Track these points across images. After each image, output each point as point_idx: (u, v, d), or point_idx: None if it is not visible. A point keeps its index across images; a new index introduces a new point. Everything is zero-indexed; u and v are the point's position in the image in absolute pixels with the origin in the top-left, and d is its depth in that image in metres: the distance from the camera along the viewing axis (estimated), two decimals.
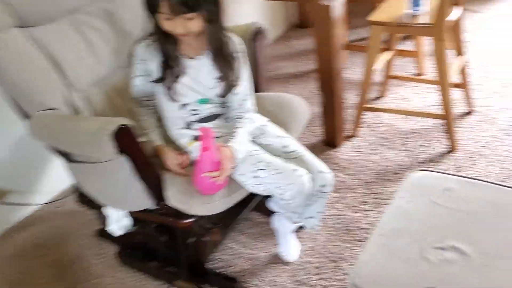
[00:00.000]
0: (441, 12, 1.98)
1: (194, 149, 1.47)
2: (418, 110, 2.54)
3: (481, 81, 2.76)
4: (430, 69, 2.97)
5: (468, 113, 2.52)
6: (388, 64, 2.59)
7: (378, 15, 2.19)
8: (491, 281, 1.17)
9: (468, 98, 2.49)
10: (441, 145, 2.33)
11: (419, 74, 2.92)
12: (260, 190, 1.47)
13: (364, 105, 2.39)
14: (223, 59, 1.48)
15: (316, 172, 1.51)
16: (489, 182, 1.48)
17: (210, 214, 1.45)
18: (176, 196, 1.45)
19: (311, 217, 1.62)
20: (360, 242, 1.85)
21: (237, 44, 1.53)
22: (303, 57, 3.33)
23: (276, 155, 1.51)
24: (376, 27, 2.18)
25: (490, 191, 1.44)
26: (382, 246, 1.33)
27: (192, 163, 1.48)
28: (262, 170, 1.43)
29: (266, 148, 1.54)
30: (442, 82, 2.15)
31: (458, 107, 2.51)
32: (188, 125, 1.56)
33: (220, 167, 1.37)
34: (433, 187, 1.49)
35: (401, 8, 2.20)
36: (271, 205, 1.69)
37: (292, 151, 1.54)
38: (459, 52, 2.36)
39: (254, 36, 1.74)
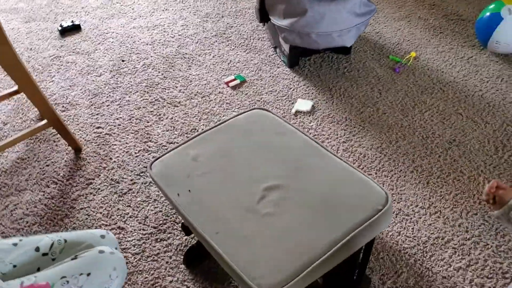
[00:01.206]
0: None
1: None
2: (17, 137, 2.00)
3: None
4: None
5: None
6: None
7: None
8: (312, 186, 1.27)
9: None
10: (64, 152, 2.03)
11: None
12: None
13: None
14: None
15: (100, 240, 1.06)
16: (198, 135, 1.48)
17: None
18: None
19: None
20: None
21: None
22: None
23: (42, 266, 0.95)
24: None
25: (215, 138, 1.46)
26: (227, 240, 1.15)
27: None
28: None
29: (19, 271, 0.93)
30: (30, 88, 1.79)
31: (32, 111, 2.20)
32: None
33: None
34: (181, 165, 1.36)
35: None
36: None
37: (53, 243, 1.00)
38: None
39: None
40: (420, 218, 1.67)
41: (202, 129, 2.06)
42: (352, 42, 2.21)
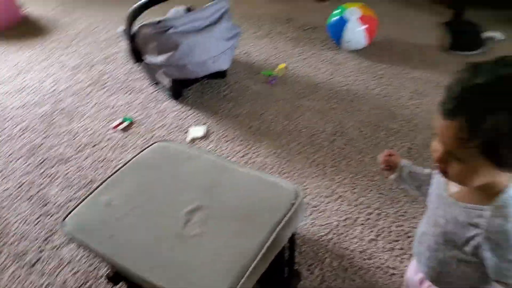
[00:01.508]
0: None
1: None
2: None
3: None
4: None
5: None
6: None
7: None
8: (230, 199, 1.35)
9: None
10: None
11: None
12: None
13: None
14: None
15: None
16: (104, 181, 1.48)
17: None
18: None
19: None
20: None
21: None
22: None
23: None
24: None
25: (122, 179, 1.47)
26: (165, 273, 1.18)
27: None
28: None
29: None
30: None
31: None
32: None
33: None
34: (96, 214, 1.35)
35: None
36: None
37: None
38: None
39: None
40: (327, 206, 1.83)
41: (101, 178, 2.03)
42: (227, 65, 2.35)
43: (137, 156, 1.54)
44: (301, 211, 1.33)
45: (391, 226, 1.73)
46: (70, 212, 1.37)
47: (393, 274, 1.57)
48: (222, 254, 1.19)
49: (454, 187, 0.93)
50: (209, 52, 2.20)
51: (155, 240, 1.25)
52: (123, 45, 2.80)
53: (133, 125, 2.37)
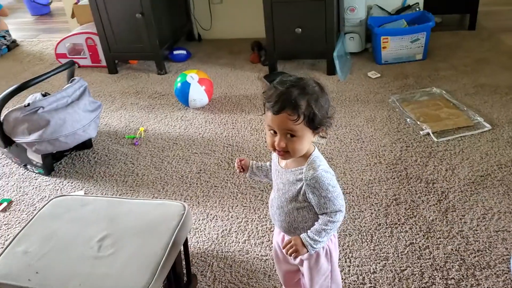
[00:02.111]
0: None
1: None
2: None
3: None
4: None
5: None
6: None
7: None
8: (130, 223, 1.70)
9: None
10: None
11: None
12: None
13: None
14: None
15: None
16: (14, 238, 1.71)
17: None
18: None
19: None
20: None
21: None
22: None
23: None
24: None
25: (31, 233, 1.71)
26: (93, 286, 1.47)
27: None
28: None
29: None
30: None
31: None
32: None
33: None
34: (16, 261, 1.58)
35: None
36: None
37: None
38: None
39: None
40: (206, 226, 2.25)
41: None
42: (95, 133, 2.68)
43: (38, 213, 1.79)
44: (189, 218, 1.74)
45: (258, 227, 2.21)
46: None
47: (267, 259, 2.03)
48: (136, 259, 1.53)
49: (283, 162, 1.45)
50: (78, 123, 2.52)
51: (76, 265, 1.53)
52: None
53: (13, 204, 2.51)
